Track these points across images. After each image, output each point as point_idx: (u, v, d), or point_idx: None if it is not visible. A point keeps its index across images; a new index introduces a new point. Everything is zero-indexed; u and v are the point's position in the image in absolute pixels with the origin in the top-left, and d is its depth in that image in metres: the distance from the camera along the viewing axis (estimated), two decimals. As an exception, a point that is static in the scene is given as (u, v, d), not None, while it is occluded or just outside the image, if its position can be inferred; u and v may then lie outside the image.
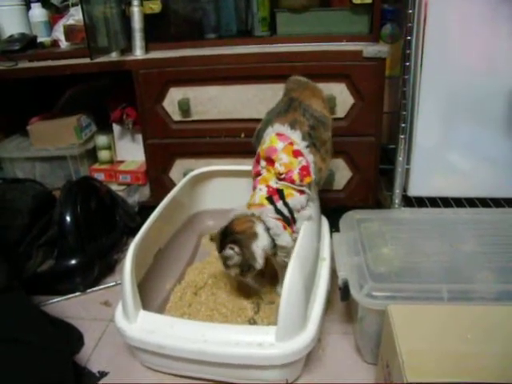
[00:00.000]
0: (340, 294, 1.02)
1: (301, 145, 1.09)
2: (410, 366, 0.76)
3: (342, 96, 1.32)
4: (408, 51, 1.23)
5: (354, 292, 0.96)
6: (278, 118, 1.14)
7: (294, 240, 1.05)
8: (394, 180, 1.37)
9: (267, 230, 1.04)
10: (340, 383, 0.99)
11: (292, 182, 1.06)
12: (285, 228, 1.06)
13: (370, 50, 1.25)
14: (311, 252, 1.08)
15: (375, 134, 1.35)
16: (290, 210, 1.07)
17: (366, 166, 1.39)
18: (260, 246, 1.04)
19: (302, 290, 0.95)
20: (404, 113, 1.28)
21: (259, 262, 1.04)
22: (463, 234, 1.16)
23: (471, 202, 1.36)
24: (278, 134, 1.10)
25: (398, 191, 1.37)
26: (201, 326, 0.99)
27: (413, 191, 1.39)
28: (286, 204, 1.06)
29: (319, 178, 1.13)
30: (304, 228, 1.06)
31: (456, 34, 1.21)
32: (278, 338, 0.91)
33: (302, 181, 1.06)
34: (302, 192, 1.08)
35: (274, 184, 1.07)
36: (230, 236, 1.04)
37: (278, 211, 1.06)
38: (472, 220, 1.22)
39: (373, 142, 1.36)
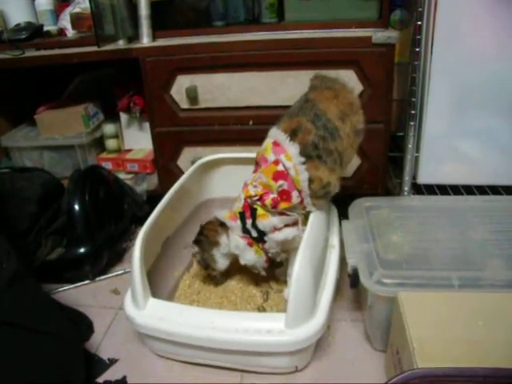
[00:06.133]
0: (349, 280, 1.02)
1: (295, 160, 1.01)
2: (420, 352, 0.76)
3: (350, 83, 1.29)
4: (418, 37, 1.21)
5: (363, 279, 0.96)
6: (286, 118, 1.07)
7: (271, 254, 1.10)
8: (404, 167, 1.35)
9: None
10: (349, 370, 0.99)
11: (264, 206, 1.04)
12: (251, 245, 1.07)
13: (379, 35, 1.24)
14: (320, 239, 1.08)
15: (384, 121, 1.33)
16: (260, 231, 1.05)
17: (375, 154, 1.38)
18: (221, 252, 1.14)
19: (311, 277, 0.95)
20: (413, 99, 1.27)
21: (219, 265, 1.16)
22: (473, 221, 1.16)
23: (481, 190, 1.35)
24: (275, 144, 1.04)
25: (407, 178, 1.36)
26: (210, 313, 0.99)
27: (422, 179, 1.38)
28: (255, 225, 1.05)
29: (325, 192, 1.05)
30: (313, 216, 1.06)
31: (467, 19, 1.19)
32: (287, 324, 0.91)
33: (274, 207, 1.03)
34: (281, 214, 1.05)
35: (249, 200, 1.05)
36: (198, 236, 1.15)
37: (245, 230, 1.07)
38: (482, 207, 1.22)
39: (382, 130, 1.34)
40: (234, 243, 1.09)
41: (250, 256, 1.09)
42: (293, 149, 1.01)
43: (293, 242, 1.06)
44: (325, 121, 1.03)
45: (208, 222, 1.16)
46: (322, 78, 1.14)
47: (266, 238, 1.06)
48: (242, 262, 1.11)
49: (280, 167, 1.02)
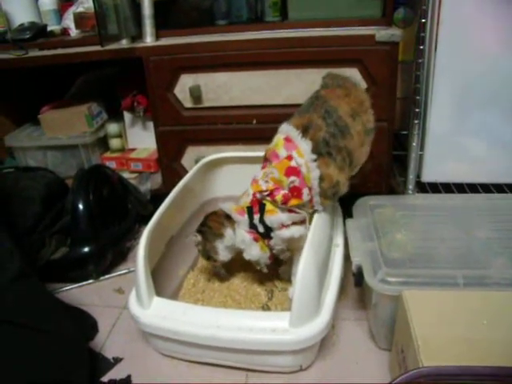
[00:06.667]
0: (354, 279, 1.02)
1: (306, 157, 1.00)
2: (425, 351, 0.76)
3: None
4: (422, 34, 1.20)
5: (367, 277, 0.96)
6: (296, 115, 1.07)
7: (275, 251, 1.09)
8: (408, 166, 1.35)
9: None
10: (353, 369, 0.99)
11: (274, 201, 1.03)
12: (256, 240, 1.07)
13: (382, 33, 1.23)
14: (325, 238, 1.08)
15: (388, 119, 1.33)
16: (267, 227, 1.05)
17: (379, 152, 1.37)
18: (224, 245, 1.12)
19: (315, 276, 0.94)
20: (418, 97, 1.27)
21: (221, 257, 1.14)
22: (478, 219, 1.15)
23: (486, 188, 1.35)
24: (287, 139, 1.04)
25: (411, 177, 1.36)
26: (214, 312, 0.99)
27: (426, 177, 1.37)
28: (262, 221, 1.04)
29: (334, 192, 1.04)
30: (317, 216, 1.05)
31: (472, 16, 1.19)
32: (291, 323, 0.91)
33: (284, 204, 1.02)
34: (290, 211, 1.04)
35: (259, 194, 1.05)
36: (201, 226, 1.15)
37: (252, 225, 1.06)
38: (486, 206, 1.21)
39: (386, 128, 1.34)
40: (240, 237, 1.08)
41: (255, 251, 1.08)
42: (305, 145, 1.01)
43: (299, 240, 1.05)
44: (336, 118, 1.02)
45: (212, 213, 1.16)
46: (334, 76, 1.14)
47: (272, 235, 1.05)
48: (247, 256, 1.10)
49: (293, 163, 1.01)
